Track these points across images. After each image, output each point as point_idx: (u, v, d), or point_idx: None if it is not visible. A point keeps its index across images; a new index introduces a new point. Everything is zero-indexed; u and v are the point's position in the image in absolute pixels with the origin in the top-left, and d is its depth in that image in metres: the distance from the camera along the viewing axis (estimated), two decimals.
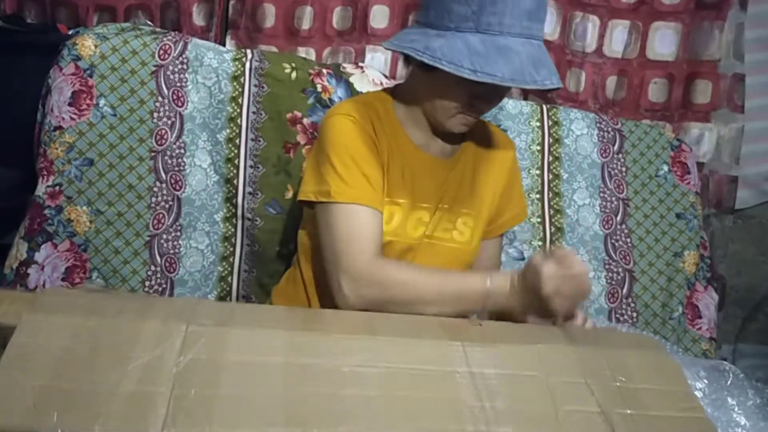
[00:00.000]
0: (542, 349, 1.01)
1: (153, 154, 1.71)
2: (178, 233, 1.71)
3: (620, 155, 1.98)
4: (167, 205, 1.71)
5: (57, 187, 1.65)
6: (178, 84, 1.75)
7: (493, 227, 1.45)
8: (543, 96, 2.07)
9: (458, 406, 0.90)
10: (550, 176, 1.92)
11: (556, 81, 1.18)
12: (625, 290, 1.91)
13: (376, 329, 1.02)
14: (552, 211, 1.91)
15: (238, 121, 1.76)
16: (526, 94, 2.11)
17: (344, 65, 1.88)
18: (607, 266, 1.91)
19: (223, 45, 1.94)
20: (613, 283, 1.90)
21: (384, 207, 1.31)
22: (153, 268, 1.68)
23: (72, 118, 1.67)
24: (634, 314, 1.89)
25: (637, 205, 1.97)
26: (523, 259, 1.86)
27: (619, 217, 1.94)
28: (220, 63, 1.78)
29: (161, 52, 1.74)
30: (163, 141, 1.72)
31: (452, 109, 1.27)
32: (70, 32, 1.77)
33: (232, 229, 1.76)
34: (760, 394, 1.45)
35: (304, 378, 0.90)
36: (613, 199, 1.95)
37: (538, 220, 1.89)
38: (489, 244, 1.46)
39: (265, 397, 0.86)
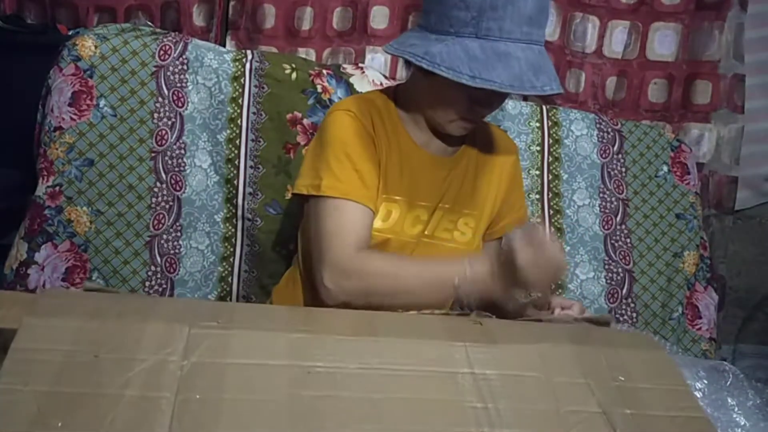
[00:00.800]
0: (543, 349, 1.01)
1: (153, 154, 1.71)
2: (179, 233, 1.71)
3: (620, 156, 1.99)
4: (167, 206, 1.71)
5: (57, 188, 1.65)
6: (179, 84, 1.75)
7: (495, 230, 1.45)
8: (543, 97, 2.07)
9: (461, 407, 0.90)
10: (550, 177, 1.93)
11: (556, 87, 1.18)
12: (624, 290, 1.91)
13: (378, 330, 1.02)
14: (552, 212, 1.91)
15: (239, 121, 1.76)
16: (525, 96, 2.11)
17: (344, 66, 1.88)
18: (606, 266, 1.91)
19: (224, 46, 1.94)
20: (613, 283, 1.90)
21: (381, 204, 1.31)
22: (153, 268, 1.69)
23: (72, 119, 1.67)
24: (634, 314, 1.89)
25: (637, 206, 1.97)
26: None
27: (618, 218, 1.95)
28: (220, 63, 1.78)
29: (161, 52, 1.74)
30: (164, 141, 1.72)
31: (452, 114, 1.28)
32: (70, 33, 1.77)
33: (233, 230, 1.76)
34: (760, 394, 1.45)
35: (307, 380, 0.89)
36: (613, 199, 1.95)
37: (538, 220, 1.89)
38: (491, 246, 1.46)
39: (269, 400, 0.86)
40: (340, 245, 1.21)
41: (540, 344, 1.02)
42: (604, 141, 1.98)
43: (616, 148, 1.99)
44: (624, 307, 1.90)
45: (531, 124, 1.94)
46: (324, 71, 1.83)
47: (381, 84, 1.84)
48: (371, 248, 1.26)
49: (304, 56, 1.97)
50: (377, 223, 1.31)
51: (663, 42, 2.11)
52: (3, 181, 1.85)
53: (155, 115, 1.72)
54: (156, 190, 1.70)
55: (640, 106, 2.14)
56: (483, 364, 0.96)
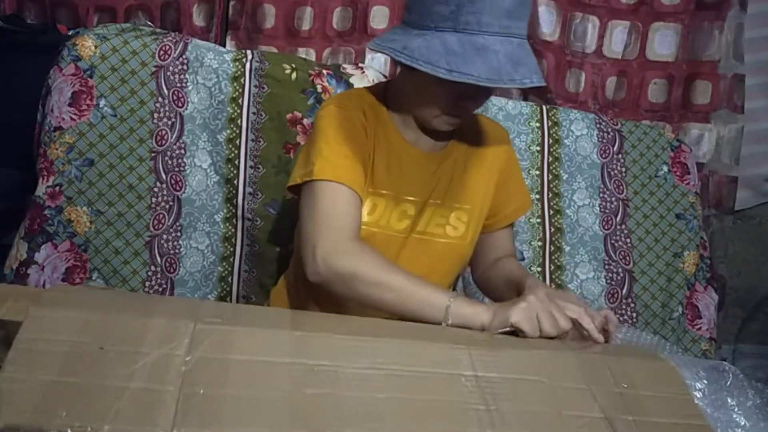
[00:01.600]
0: (546, 355, 1.01)
1: (153, 154, 1.71)
2: (179, 233, 1.71)
3: (620, 156, 1.99)
4: (167, 206, 1.71)
5: (57, 188, 1.65)
6: (179, 84, 1.75)
7: (497, 219, 1.45)
8: (542, 96, 2.08)
9: (463, 409, 0.90)
10: (550, 177, 1.93)
11: (536, 79, 1.17)
12: (624, 290, 1.91)
13: (383, 332, 1.02)
14: (552, 212, 1.91)
15: (239, 121, 1.76)
16: (525, 95, 2.12)
17: (344, 66, 1.88)
18: (606, 266, 1.91)
19: (223, 45, 1.94)
20: (613, 283, 1.90)
21: (368, 197, 1.31)
22: (153, 268, 1.69)
23: (72, 119, 1.67)
24: (634, 314, 1.89)
25: (637, 206, 1.97)
26: (523, 259, 1.86)
27: (618, 218, 1.95)
28: (220, 63, 1.78)
29: (161, 52, 1.74)
30: (164, 141, 1.72)
31: (436, 109, 1.28)
32: (70, 33, 1.77)
33: (233, 230, 1.76)
34: (760, 394, 1.45)
35: (310, 379, 0.89)
36: (613, 199, 1.95)
37: (538, 220, 1.89)
38: (498, 236, 1.46)
39: (271, 397, 0.86)
40: (335, 227, 1.21)
41: (543, 350, 1.02)
42: (604, 141, 1.98)
43: (616, 148, 1.99)
44: (624, 307, 1.90)
45: (531, 124, 1.94)
46: (324, 71, 1.83)
47: None
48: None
49: (304, 56, 1.97)
50: (363, 216, 1.31)
51: (663, 42, 2.11)
52: (3, 181, 1.85)
53: (155, 115, 1.72)
54: (156, 190, 1.70)
55: (640, 106, 2.14)
56: (486, 367, 0.96)
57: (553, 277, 1.87)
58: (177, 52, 1.75)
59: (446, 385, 0.93)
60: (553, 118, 1.96)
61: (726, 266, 2.25)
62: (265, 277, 1.75)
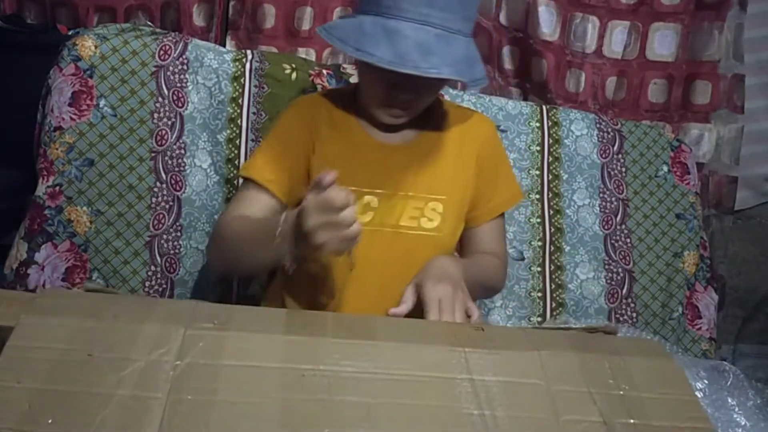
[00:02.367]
0: (544, 356, 0.99)
1: (153, 154, 1.71)
2: (179, 233, 1.71)
3: (620, 156, 1.99)
4: (167, 206, 1.71)
5: (57, 188, 1.65)
6: (179, 84, 1.75)
7: (482, 212, 1.44)
8: (542, 96, 2.08)
9: (458, 414, 0.89)
10: (550, 177, 1.92)
11: (447, 72, 1.16)
12: (624, 290, 1.91)
13: (376, 334, 1.01)
14: (552, 212, 1.91)
15: (239, 121, 1.76)
16: (525, 95, 2.11)
17: (344, 66, 1.88)
18: (606, 266, 1.91)
19: (224, 45, 1.94)
20: (613, 283, 1.90)
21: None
22: (153, 268, 1.69)
23: (72, 119, 1.67)
24: (634, 314, 1.89)
25: (637, 206, 1.97)
26: (523, 259, 1.86)
27: (618, 218, 1.95)
28: (220, 63, 1.78)
29: (161, 52, 1.74)
30: (164, 141, 1.72)
31: (374, 100, 1.30)
32: (70, 32, 1.77)
33: None
34: (760, 394, 1.45)
35: (302, 384, 0.89)
36: (613, 199, 1.95)
37: (538, 220, 1.89)
38: (484, 229, 1.45)
39: (262, 403, 0.85)
40: (224, 213, 1.34)
41: (541, 351, 1.00)
42: (604, 141, 1.98)
43: (616, 148, 1.98)
44: (624, 307, 1.89)
45: (531, 124, 1.94)
46: (324, 71, 1.83)
47: None
48: None
49: (304, 56, 1.96)
50: None
51: (663, 42, 2.11)
52: (3, 181, 1.85)
53: (155, 115, 1.72)
54: (156, 190, 1.70)
55: (640, 106, 2.14)
56: (482, 370, 0.95)
57: (553, 277, 1.87)
58: (177, 52, 1.75)
59: (440, 389, 0.92)
60: (553, 118, 1.96)
61: (726, 266, 2.25)
62: (264, 277, 1.75)
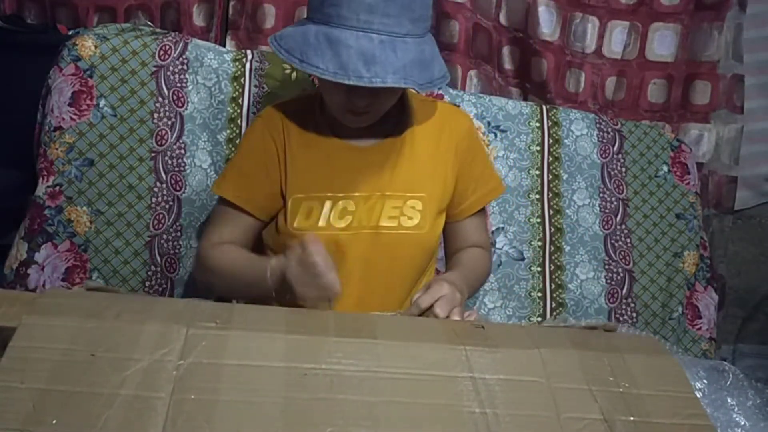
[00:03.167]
0: (545, 354, 0.99)
1: (153, 154, 1.71)
2: (179, 233, 1.71)
3: (620, 156, 1.99)
4: (167, 206, 1.71)
5: (57, 188, 1.65)
6: (179, 84, 1.75)
7: (463, 207, 1.43)
8: (542, 96, 2.08)
9: (459, 412, 0.89)
10: (550, 177, 1.92)
11: (391, 79, 1.15)
12: (624, 290, 1.91)
13: (378, 333, 1.01)
14: (552, 212, 1.91)
15: (239, 121, 1.76)
16: (525, 95, 2.11)
17: None
18: (606, 266, 1.91)
19: (224, 45, 1.94)
20: (613, 283, 1.90)
21: (300, 203, 1.35)
22: (153, 268, 1.68)
23: (72, 119, 1.67)
24: (634, 314, 1.89)
25: (637, 206, 1.97)
26: (523, 259, 1.86)
27: (618, 218, 1.95)
28: (220, 63, 1.78)
29: (161, 52, 1.74)
30: (164, 141, 1.72)
31: (335, 105, 1.29)
32: (70, 32, 1.77)
33: None
34: (759, 394, 1.45)
35: (304, 383, 0.89)
36: (613, 199, 1.95)
37: (538, 220, 1.89)
38: (463, 226, 1.45)
39: (264, 402, 0.85)
40: (204, 238, 1.40)
41: (542, 349, 1.00)
42: (604, 141, 1.98)
43: (616, 148, 1.98)
44: (624, 307, 1.89)
45: (531, 124, 1.94)
46: None
47: None
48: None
49: None
50: (299, 222, 1.34)
51: (662, 42, 2.10)
52: (3, 181, 1.85)
53: (155, 115, 1.72)
54: (156, 190, 1.70)
55: (639, 106, 2.14)
56: (483, 368, 0.95)
57: (553, 277, 1.87)
58: (177, 52, 1.75)
59: (442, 387, 0.92)
60: (553, 118, 1.96)
61: (726, 266, 2.25)
62: None
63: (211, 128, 1.76)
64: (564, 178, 1.93)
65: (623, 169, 1.98)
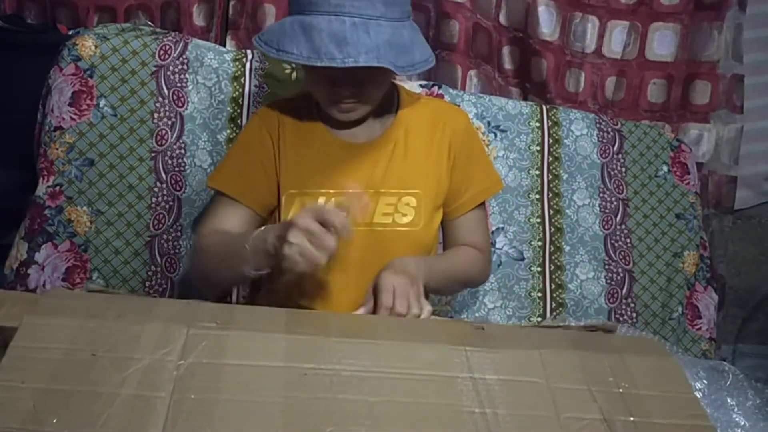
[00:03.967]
0: (545, 354, 0.99)
1: (153, 154, 1.71)
2: (179, 233, 1.71)
3: (620, 155, 1.99)
4: (167, 206, 1.71)
5: (57, 188, 1.65)
6: (179, 84, 1.75)
7: (460, 203, 1.43)
8: (542, 96, 2.08)
9: (459, 412, 0.89)
10: (550, 176, 1.93)
11: (363, 59, 1.15)
12: (624, 290, 1.91)
13: (377, 333, 1.01)
14: (552, 212, 1.91)
15: (239, 121, 1.76)
16: (525, 95, 2.12)
17: None
18: (606, 266, 1.91)
19: (224, 45, 1.94)
20: (613, 283, 1.90)
21: (295, 199, 1.35)
22: (153, 268, 1.69)
23: (72, 119, 1.67)
24: (634, 314, 1.90)
25: (637, 206, 1.97)
26: (523, 259, 1.86)
27: (618, 218, 1.95)
28: (220, 63, 1.78)
29: (161, 52, 1.74)
30: (164, 141, 1.72)
31: (322, 98, 1.31)
32: (70, 32, 1.77)
33: None
34: (759, 394, 1.45)
35: (304, 383, 0.89)
36: (613, 199, 1.95)
37: (538, 220, 1.89)
38: (463, 221, 1.44)
39: (264, 402, 0.86)
40: (200, 227, 1.40)
41: (542, 349, 1.00)
42: (604, 141, 1.98)
43: (616, 148, 1.99)
44: (624, 307, 1.90)
45: (531, 123, 1.94)
46: None
47: None
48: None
49: None
50: None
51: (662, 42, 2.11)
52: (3, 181, 1.85)
53: (155, 115, 1.72)
54: (156, 190, 1.70)
55: (639, 106, 2.14)
56: (483, 368, 0.96)
57: (553, 277, 1.87)
58: (177, 51, 1.76)
59: (442, 387, 0.92)
60: (553, 117, 1.96)
61: (726, 266, 2.25)
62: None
63: (212, 128, 1.76)
64: (564, 178, 1.93)
65: (623, 169, 1.98)
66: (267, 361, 0.91)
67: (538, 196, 1.91)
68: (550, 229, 1.89)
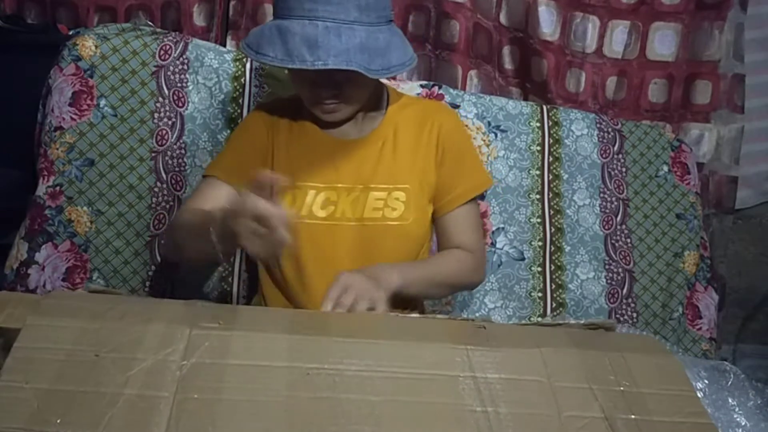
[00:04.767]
0: (546, 353, 1.00)
1: (154, 154, 1.71)
2: None
3: (620, 156, 1.99)
4: (168, 206, 1.71)
5: (57, 188, 1.65)
6: (179, 84, 1.75)
7: (448, 200, 1.44)
8: (542, 96, 2.08)
9: (460, 411, 0.90)
10: (550, 177, 1.92)
11: (333, 62, 1.19)
12: (625, 290, 1.91)
13: (379, 333, 1.02)
14: (552, 212, 1.91)
15: (239, 121, 1.76)
16: (526, 95, 2.12)
17: None
18: (607, 266, 1.91)
19: (224, 45, 1.94)
20: (613, 283, 1.90)
21: (287, 192, 1.37)
22: (154, 268, 1.69)
23: (72, 119, 1.67)
24: (634, 314, 1.89)
25: (638, 206, 1.97)
26: (523, 259, 1.86)
27: (619, 218, 1.95)
28: (220, 63, 1.78)
29: (162, 52, 1.74)
30: (164, 141, 1.72)
31: (306, 99, 1.35)
32: (71, 32, 1.77)
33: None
34: (760, 394, 1.45)
35: (307, 383, 0.89)
36: (613, 199, 1.95)
37: (538, 220, 1.89)
38: (452, 219, 1.45)
39: (267, 401, 0.86)
40: (181, 205, 1.41)
41: (543, 348, 1.01)
42: (605, 141, 1.98)
43: (616, 148, 1.99)
44: (624, 307, 1.90)
45: (531, 123, 1.94)
46: None
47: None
48: None
49: None
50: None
51: (663, 42, 2.10)
52: (3, 181, 1.85)
53: (156, 115, 1.72)
54: (156, 190, 1.70)
55: (640, 106, 2.14)
56: (484, 367, 0.96)
57: (554, 277, 1.87)
58: (177, 51, 1.75)
59: (443, 387, 0.93)
60: (553, 117, 1.96)
61: (726, 266, 2.25)
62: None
63: (212, 128, 1.76)
64: (564, 178, 1.93)
65: (623, 169, 1.98)
66: (270, 361, 0.91)
67: (538, 196, 1.91)
68: (550, 229, 1.89)
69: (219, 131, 1.76)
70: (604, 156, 1.97)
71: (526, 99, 2.09)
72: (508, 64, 2.10)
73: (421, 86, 1.88)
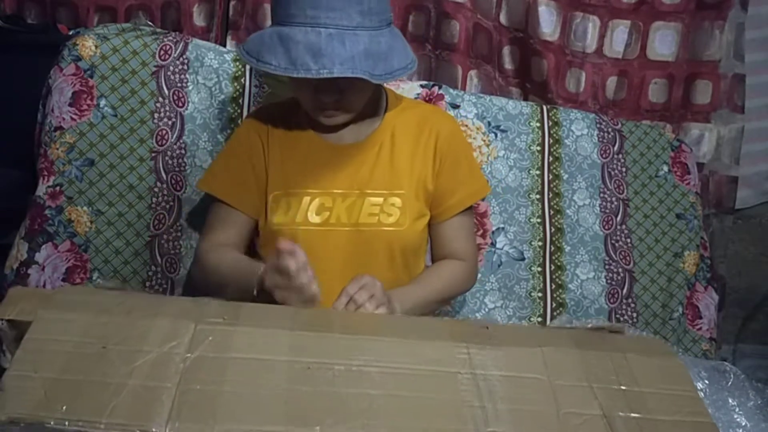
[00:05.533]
0: (547, 352, 1.01)
1: (154, 154, 1.71)
2: (179, 233, 1.71)
3: (620, 156, 1.99)
4: (168, 206, 1.71)
5: (57, 188, 1.65)
6: (179, 84, 1.75)
7: (446, 207, 1.44)
8: (542, 96, 2.08)
9: (459, 407, 0.91)
10: (550, 177, 1.93)
11: (338, 70, 1.19)
12: (625, 291, 1.91)
13: (381, 330, 1.03)
14: (552, 212, 1.91)
15: (239, 121, 1.76)
16: (526, 95, 2.12)
17: None
18: (607, 266, 1.91)
19: (224, 45, 1.94)
20: (613, 283, 1.90)
21: (281, 199, 1.39)
22: (154, 268, 1.69)
23: (72, 119, 1.67)
24: (634, 315, 1.89)
25: (638, 206, 1.97)
26: (523, 259, 1.86)
27: (619, 218, 1.95)
28: (220, 63, 1.78)
29: (162, 52, 1.74)
30: (164, 141, 1.72)
31: (307, 104, 1.34)
32: (71, 32, 1.77)
33: None
34: (760, 394, 1.45)
35: (307, 377, 0.91)
36: (613, 199, 1.95)
37: (539, 220, 1.89)
38: (448, 226, 1.45)
39: (267, 394, 0.88)
40: (203, 239, 1.46)
41: (544, 347, 1.01)
42: (605, 141, 1.98)
43: (616, 148, 1.99)
44: (624, 307, 1.90)
45: (531, 123, 1.94)
46: None
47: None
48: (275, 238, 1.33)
49: None
50: (278, 218, 1.38)
51: (663, 42, 2.10)
52: (3, 181, 1.85)
53: (156, 115, 1.72)
54: (156, 190, 1.70)
55: (640, 106, 2.14)
56: (484, 365, 0.97)
57: (554, 277, 1.87)
58: (177, 51, 1.76)
59: (442, 382, 0.94)
60: (553, 117, 1.96)
61: (726, 266, 2.25)
62: None
63: (212, 128, 1.76)
64: (564, 178, 1.93)
65: (623, 169, 1.98)
66: (271, 355, 0.94)
67: (538, 196, 1.91)
68: (550, 229, 1.89)
69: (219, 131, 1.76)
70: (604, 156, 1.97)
71: (526, 99, 2.09)
72: (508, 64, 2.10)
73: (421, 86, 1.88)
